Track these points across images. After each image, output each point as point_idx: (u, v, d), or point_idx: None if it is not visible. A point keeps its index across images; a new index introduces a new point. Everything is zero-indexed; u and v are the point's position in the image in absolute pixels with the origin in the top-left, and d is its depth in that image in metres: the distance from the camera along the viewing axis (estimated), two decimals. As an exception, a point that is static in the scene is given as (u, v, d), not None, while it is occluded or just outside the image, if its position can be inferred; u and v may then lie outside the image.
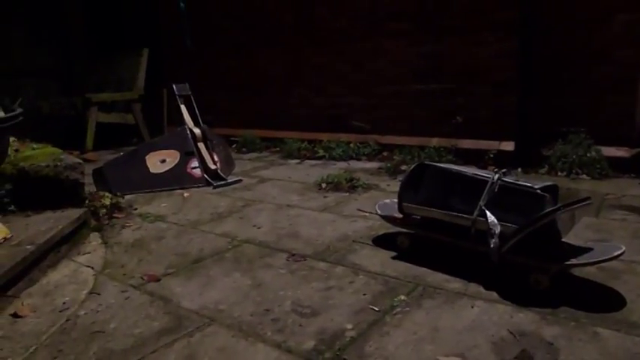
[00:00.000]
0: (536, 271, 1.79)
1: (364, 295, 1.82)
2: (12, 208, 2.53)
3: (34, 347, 1.55)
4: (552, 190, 1.89)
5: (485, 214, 1.87)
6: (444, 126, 4.29)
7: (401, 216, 2.27)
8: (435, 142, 4.30)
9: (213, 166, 3.89)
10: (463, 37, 4.14)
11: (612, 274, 1.89)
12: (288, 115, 5.49)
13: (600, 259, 1.73)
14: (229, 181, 3.81)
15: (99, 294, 1.92)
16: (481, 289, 1.81)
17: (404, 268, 2.03)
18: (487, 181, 1.94)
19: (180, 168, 3.78)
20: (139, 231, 2.71)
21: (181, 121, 4.09)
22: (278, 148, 5.26)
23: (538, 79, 3.97)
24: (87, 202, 2.81)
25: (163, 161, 3.78)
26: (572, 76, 3.83)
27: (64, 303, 1.85)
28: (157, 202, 3.34)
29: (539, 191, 1.82)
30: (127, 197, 3.37)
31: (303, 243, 2.40)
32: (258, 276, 2.03)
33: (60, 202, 2.61)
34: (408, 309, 1.69)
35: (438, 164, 2.24)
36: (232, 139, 5.53)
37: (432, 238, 2.17)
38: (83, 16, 6.93)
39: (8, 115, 2.18)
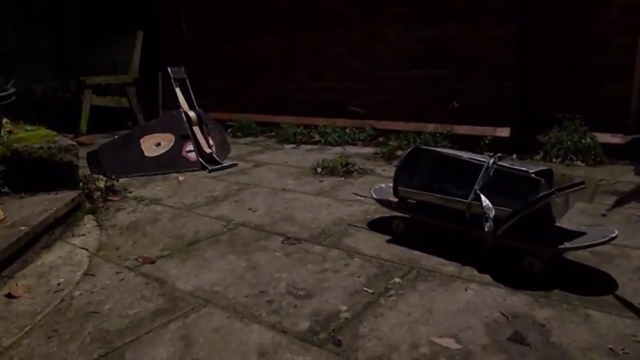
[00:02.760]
0: (530, 254, 1.80)
1: (359, 277, 1.82)
2: (5, 189, 2.52)
3: (28, 327, 1.55)
4: (547, 174, 1.89)
5: (480, 198, 1.87)
6: (440, 112, 4.29)
7: (396, 200, 2.28)
8: (431, 127, 4.30)
9: (208, 150, 3.88)
10: (461, 22, 4.12)
11: (605, 258, 1.90)
12: (284, 99, 5.46)
13: (593, 242, 1.75)
14: (224, 165, 3.81)
15: (94, 275, 1.92)
16: (475, 272, 1.82)
17: (399, 251, 2.04)
18: (482, 166, 1.94)
19: (175, 151, 3.76)
20: (134, 214, 2.71)
21: (176, 104, 4.05)
22: (274, 133, 5.25)
23: (535, 65, 3.96)
24: (81, 184, 2.80)
25: (158, 144, 3.74)
26: (569, 63, 3.82)
27: (58, 284, 1.85)
28: (152, 185, 3.33)
29: (534, 175, 1.82)
30: (122, 180, 3.36)
31: (299, 226, 2.41)
32: (253, 258, 2.03)
33: (54, 184, 2.60)
34: (402, 291, 1.70)
35: (434, 148, 2.24)
36: (228, 123, 5.51)
37: (427, 222, 2.17)
38: (77, -1, 6.85)
39: (0, 94, 2.16)
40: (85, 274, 1.94)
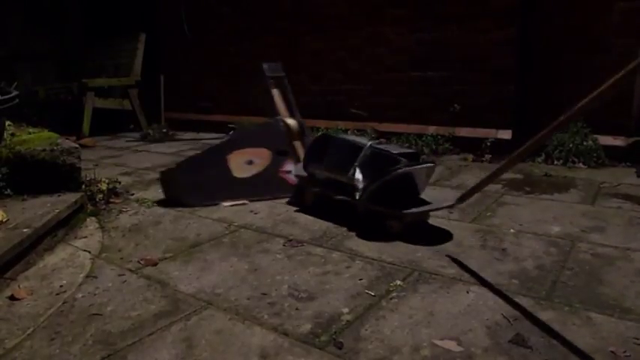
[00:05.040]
0: (390, 217, 2.24)
1: (360, 280, 1.83)
2: (8, 191, 2.53)
3: (31, 329, 1.56)
4: (412, 155, 2.33)
5: (355, 171, 2.34)
6: (441, 114, 4.29)
7: (306, 175, 2.69)
8: (432, 129, 4.30)
9: None
10: (462, 24, 4.12)
11: (607, 260, 1.90)
12: (285, 102, 5.46)
13: (432, 208, 2.29)
14: None
15: (96, 277, 1.93)
16: (476, 274, 1.82)
17: (400, 253, 2.05)
18: (363, 148, 2.39)
19: (270, 171, 3.03)
20: (136, 216, 2.72)
21: (273, 110, 3.29)
22: (275, 135, 5.24)
23: (537, 67, 3.96)
24: (84, 186, 2.81)
25: (250, 162, 3.01)
26: (571, 65, 3.82)
27: (61, 286, 1.86)
28: (154, 187, 3.33)
29: (396, 155, 2.26)
30: (124, 182, 3.37)
31: (300, 228, 2.41)
32: (255, 261, 2.04)
33: (57, 187, 2.61)
34: (403, 294, 1.70)
35: (335, 135, 2.78)
36: (230, 125, 5.52)
37: (325, 194, 2.64)
38: (80, 1, 6.87)
39: (4, 97, 2.17)
40: (88, 276, 1.94)
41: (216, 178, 2.93)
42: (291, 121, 3.22)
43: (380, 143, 2.43)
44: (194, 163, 2.98)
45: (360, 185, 2.30)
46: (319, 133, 2.73)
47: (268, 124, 3.26)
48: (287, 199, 2.91)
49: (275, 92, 3.30)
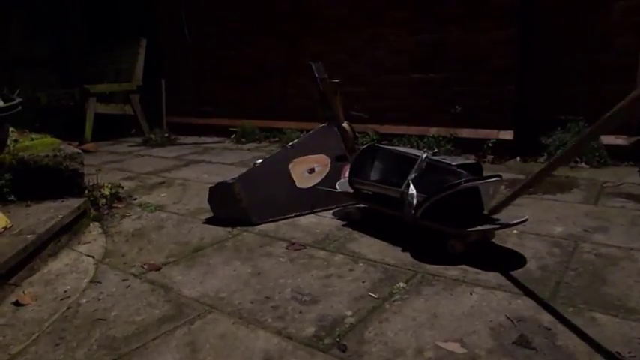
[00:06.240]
0: (452, 237, 2.01)
1: (363, 282, 1.83)
2: (12, 197, 2.54)
3: (36, 334, 1.57)
4: (473, 167, 2.15)
5: (409, 186, 2.11)
6: (442, 115, 4.29)
7: (352, 191, 2.51)
8: (433, 131, 4.30)
9: None
10: (462, 25, 4.12)
11: (610, 260, 1.90)
12: (286, 105, 5.48)
13: (501, 224, 2.01)
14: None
15: (100, 282, 1.93)
16: (480, 276, 1.82)
17: (403, 255, 2.05)
18: (417, 160, 2.20)
19: (332, 179, 2.82)
20: (139, 221, 2.72)
21: (325, 113, 3.12)
22: (277, 139, 5.25)
23: (537, 67, 3.96)
24: (87, 192, 2.82)
25: (311, 171, 2.81)
26: (572, 64, 3.82)
27: (65, 291, 1.86)
28: (156, 192, 3.34)
29: (455, 168, 2.09)
30: (127, 187, 3.37)
31: (303, 231, 2.41)
32: (258, 264, 2.04)
33: (60, 192, 2.62)
34: (407, 296, 1.70)
35: (385, 146, 2.54)
36: (231, 129, 5.53)
37: (374, 210, 2.45)
38: (80, 6, 6.90)
39: (7, 104, 2.18)
40: (92, 281, 1.95)
41: (282, 191, 2.69)
42: (346, 125, 3.07)
43: (435, 154, 2.24)
44: (256, 177, 2.69)
45: (415, 201, 2.07)
46: (366, 144, 2.53)
47: (325, 129, 3.01)
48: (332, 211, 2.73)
49: (329, 94, 3.11)
